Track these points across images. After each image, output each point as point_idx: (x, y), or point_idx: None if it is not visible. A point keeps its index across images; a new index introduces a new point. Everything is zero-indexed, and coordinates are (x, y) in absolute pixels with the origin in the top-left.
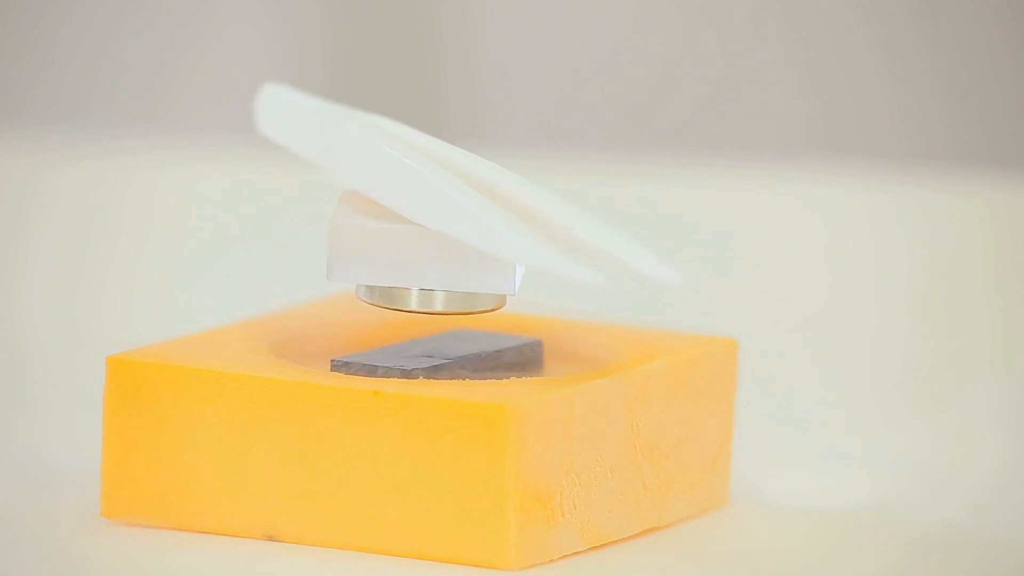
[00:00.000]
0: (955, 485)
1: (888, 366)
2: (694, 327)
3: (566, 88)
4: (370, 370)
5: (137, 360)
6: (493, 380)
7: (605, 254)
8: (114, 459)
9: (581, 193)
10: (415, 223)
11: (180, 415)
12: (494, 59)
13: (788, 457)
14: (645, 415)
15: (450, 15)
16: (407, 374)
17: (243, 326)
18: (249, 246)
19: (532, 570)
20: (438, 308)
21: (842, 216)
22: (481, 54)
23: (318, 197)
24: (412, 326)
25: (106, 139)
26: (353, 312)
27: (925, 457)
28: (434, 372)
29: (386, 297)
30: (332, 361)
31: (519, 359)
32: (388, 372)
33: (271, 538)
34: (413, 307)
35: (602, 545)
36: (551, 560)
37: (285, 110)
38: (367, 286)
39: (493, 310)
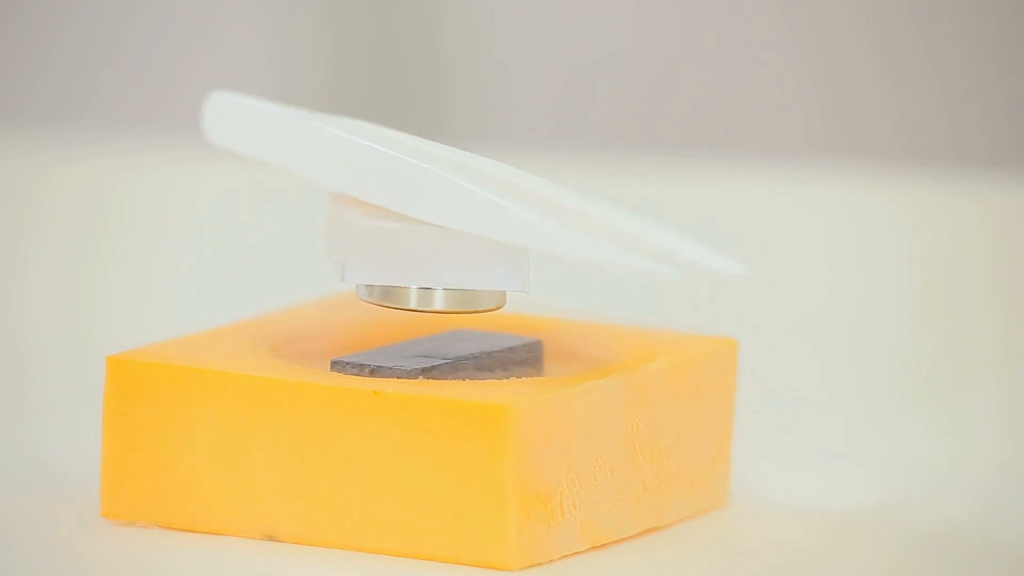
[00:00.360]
0: (955, 485)
1: (888, 366)
2: (694, 327)
3: (566, 88)
4: (370, 370)
5: (137, 360)
6: (493, 380)
7: (668, 250)
8: (114, 459)
9: None
10: (430, 224)
11: (180, 415)
12: (494, 59)
13: (788, 457)
14: (645, 415)
15: (450, 15)
16: (407, 374)
17: (243, 326)
18: (249, 246)
19: (532, 570)
20: (438, 307)
21: (842, 216)
22: (481, 54)
23: (318, 197)
24: (412, 326)
25: (106, 139)
26: (353, 312)
27: (925, 457)
28: (434, 372)
29: (386, 296)
30: (332, 361)
31: (519, 359)
32: (388, 372)
33: (271, 538)
34: (413, 306)
35: (602, 545)
36: (551, 560)
37: (239, 116)
38: (366, 286)
39: (493, 310)
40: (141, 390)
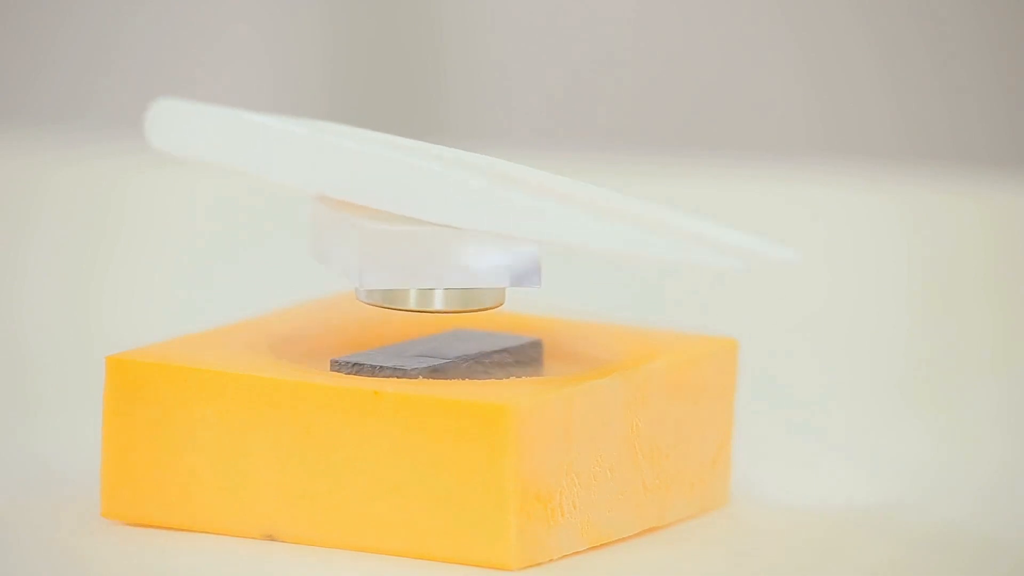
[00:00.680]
0: (955, 485)
1: (888, 366)
2: (694, 327)
3: (566, 88)
4: (370, 370)
5: (137, 360)
6: (493, 380)
7: (724, 242)
8: (114, 459)
9: None
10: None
11: (180, 415)
12: (494, 59)
13: (788, 457)
14: (645, 415)
15: (450, 15)
16: (407, 374)
17: (243, 326)
18: (249, 246)
19: (532, 570)
20: (437, 307)
21: (842, 216)
22: (481, 54)
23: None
24: (412, 326)
25: (106, 139)
26: (353, 312)
27: (925, 457)
28: (434, 372)
29: (385, 297)
30: (332, 361)
31: (519, 359)
32: (388, 372)
33: (271, 538)
34: (412, 306)
35: (602, 545)
36: (551, 560)
37: (191, 121)
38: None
39: (492, 308)
40: (141, 390)
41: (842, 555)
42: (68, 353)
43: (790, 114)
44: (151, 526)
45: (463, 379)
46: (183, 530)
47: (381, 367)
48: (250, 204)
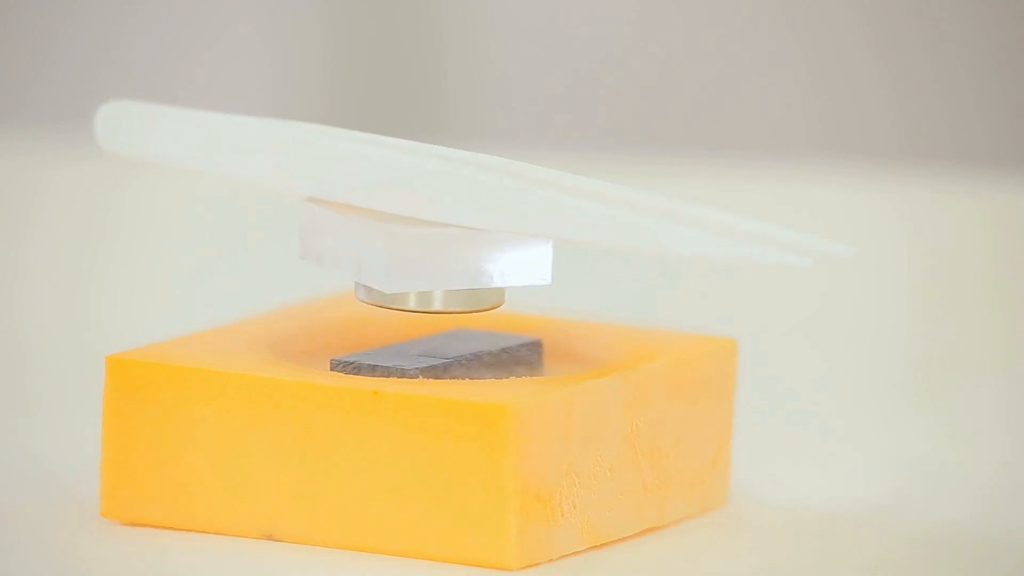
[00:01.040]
0: (955, 485)
1: (888, 365)
2: (694, 327)
3: (566, 88)
4: (370, 370)
5: (137, 360)
6: (493, 380)
7: (779, 238)
8: (114, 459)
9: None
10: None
11: (180, 415)
12: (494, 59)
13: (788, 457)
14: (645, 415)
15: (450, 15)
16: (407, 374)
17: (243, 326)
18: (249, 246)
19: (532, 570)
20: (437, 307)
21: (842, 216)
22: (481, 54)
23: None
24: (412, 326)
25: None
26: (353, 312)
27: (925, 456)
28: (434, 372)
29: (385, 297)
30: (332, 361)
31: (519, 359)
32: (388, 372)
33: (271, 538)
34: (412, 307)
35: (602, 545)
36: (551, 560)
37: (146, 122)
38: (365, 285)
39: (492, 308)
40: (141, 390)
41: (842, 554)
42: (68, 353)
43: (790, 114)
44: (151, 526)
45: (463, 379)
46: (183, 530)
47: (381, 367)
48: (250, 204)
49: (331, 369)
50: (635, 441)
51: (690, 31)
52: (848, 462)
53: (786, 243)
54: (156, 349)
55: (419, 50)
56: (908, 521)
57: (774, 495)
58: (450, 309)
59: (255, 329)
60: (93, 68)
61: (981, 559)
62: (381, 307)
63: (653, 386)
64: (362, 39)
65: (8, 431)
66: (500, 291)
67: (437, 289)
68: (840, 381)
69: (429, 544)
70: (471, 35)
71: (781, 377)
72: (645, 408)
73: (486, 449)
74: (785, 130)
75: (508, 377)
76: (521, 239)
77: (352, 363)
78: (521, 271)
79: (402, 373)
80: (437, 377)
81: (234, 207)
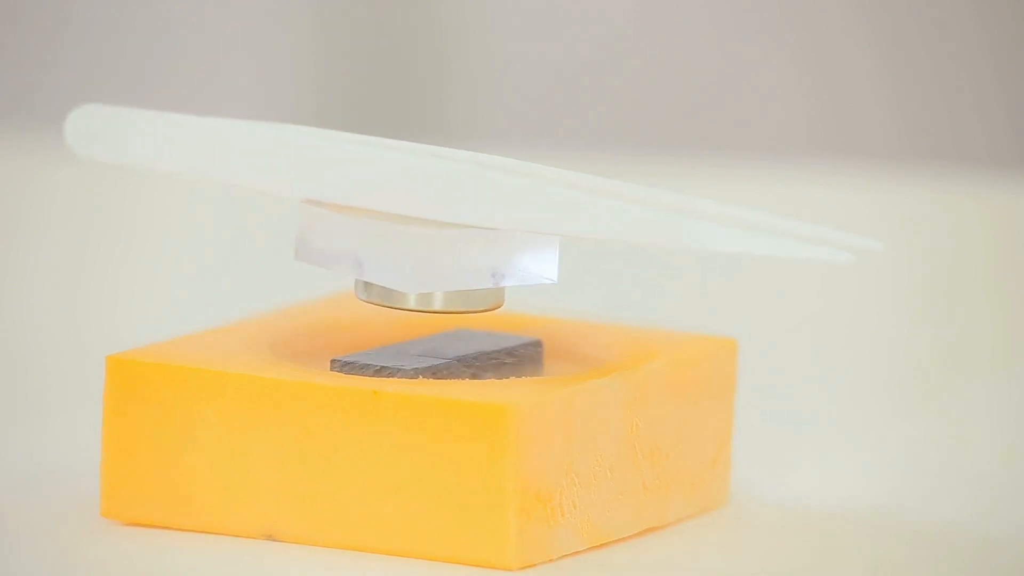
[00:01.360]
0: (955, 485)
1: (888, 366)
2: (694, 327)
3: (566, 88)
4: (370, 370)
5: (137, 360)
6: (493, 380)
7: (811, 234)
8: (114, 459)
9: None
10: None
11: (180, 415)
12: (494, 59)
13: (788, 457)
14: (645, 415)
15: (450, 15)
16: (407, 374)
17: (243, 326)
18: (249, 246)
19: (532, 570)
20: (437, 307)
21: (842, 216)
22: (481, 54)
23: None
24: (412, 326)
25: None
26: (353, 312)
27: (925, 457)
28: (434, 372)
29: (384, 296)
30: (332, 361)
31: (519, 359)
32: (388, 372)
33: (271, 538)
34: (412, 306)
35: (602, 545)
36: (551, 560)
37: (115, 126)
38: (365, 285)
39: (492, 309)
40: (141, 390)
41: (842, 555)
42: (68, 353)
43: (790, 114)
44: (151, 526)
45: (463, 379)
46: (183, 530)
47: (381, 367)
48: (250, 204)
49: (331, 369)
50: (635, 441)
51: (690, 31)
52: (848, 462)
53: (820, 239)
54: (156, 349)
55: (418, 50)
56: (908, 521)
57: (774, 495)
58: (450, 309)
59: (255, 329)
60: (93, 68)
61: (981, 559)
62: (381, 307)
63: (653, 386)
64: (362, 40)
65: (8, 431)
66: (500, 291)
67: (462, 288)
68: (840, 381)
69: (429, 544)
70: (470, 36)
71: (781, 377)
72: (645, 408)
73: (486, 449)
74: (785, 130)
75: (508, 377)
76: (533, 237)
77: (352, 363)
78: (534, 269)
79: (402, 373)
80: (437, 377)
81: (234, 207)
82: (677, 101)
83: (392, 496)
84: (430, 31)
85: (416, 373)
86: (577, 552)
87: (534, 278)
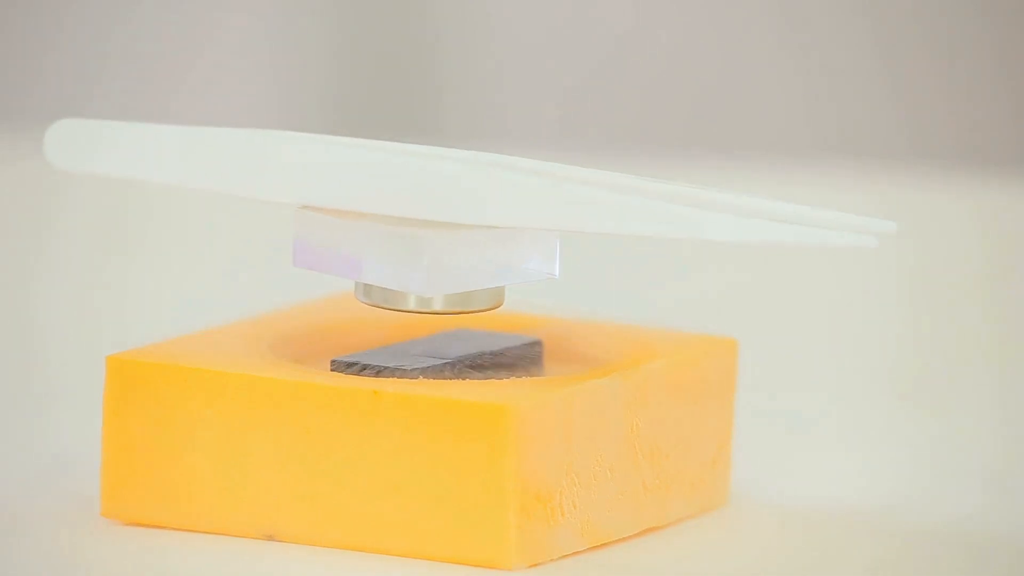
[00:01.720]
0: (955, 485)
1: (887, 366)
2: (694, 327)
3: (566, 89)
4: (370, 370)
5: (137, 360)
6: (493, 380)
7: (829, 221)
8: (114, 459)
9: None
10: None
11: (180, 415)
12: (494, 60)
13: (788, 457)
14: (645, 415)
15: (449, 17)
16: (407, 374)
17: (243, 326)
18: (249, 246)
19: (532, 570)
20: (437, 308)
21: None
22: (480, 56)
23: None
24: (412, 326)
25: None
26: (353, 312)
27: (924, 457)
28: (434, 372)
29: (385, 297)
30: (332, 361)
31: (519, 359)
32: (388, 372)
33: (271, 538)
34: (411, 307)
35: (602, 545)
36: (551, 560)
37: (93, 139)
38: (364, 287)
39: (491, 309)
40: (141, 390)
41: (842, 555)
42: (68, 353)
43: (790, 114)
44: (151, 526)
45: (463, 379)
46: (183, 530)
47: (381, 367)
48: (250, 203)
49: (331, 369)
50: (635, 441)
51: (690, 31)
52: (848, 462)
53: (839, 225)
54: (156, 349)
55: (418, 51)
56: (907, 521)
57: (774, 495)
58: (450, 309)
59: (255, 329)
60: (93, 68)
61: (981, 559)
62: (381, 307)
63: (653, 386)
64: (361, 40)
65: (9, 431)
66: (500, 291)
67: (477, 288)
68: (840, 381)
69: (429, 544)
70: (470, 37)
71: (781, 377)
72: (645, 408)
73: (486, 449)
74: (785, 130)
75: (508, 377)
76: (535, 234)
77: (352, 363)
78: (540, 266)
79: (402, 373)
80: (437, 377)
81: (234, 207)
82: (677, 101)
83: (392, 496)
84: (430, 31)
85: (416, 373)
86: (577, 552)
87: (537, 274)
